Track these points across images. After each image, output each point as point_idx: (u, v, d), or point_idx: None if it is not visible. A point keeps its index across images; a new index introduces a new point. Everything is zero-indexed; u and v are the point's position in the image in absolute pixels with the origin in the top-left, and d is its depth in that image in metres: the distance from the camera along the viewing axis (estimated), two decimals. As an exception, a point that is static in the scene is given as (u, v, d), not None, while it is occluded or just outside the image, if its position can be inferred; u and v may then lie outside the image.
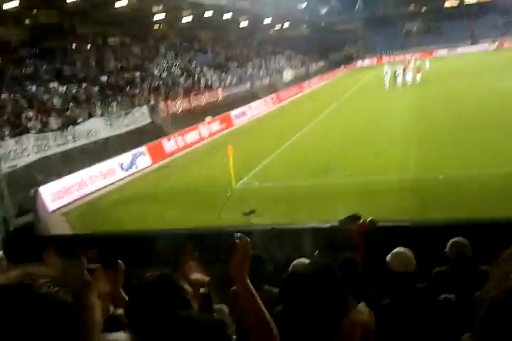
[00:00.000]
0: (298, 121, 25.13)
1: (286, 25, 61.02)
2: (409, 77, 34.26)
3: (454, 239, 4.65)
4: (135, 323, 2.00)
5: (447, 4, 67.45)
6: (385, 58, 60.26)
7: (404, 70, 34.80)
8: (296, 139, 20.73)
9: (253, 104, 31.81)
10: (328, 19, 68.25)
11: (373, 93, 32.82)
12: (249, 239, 2.09)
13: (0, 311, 0.85)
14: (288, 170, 15.41)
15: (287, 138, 20.58)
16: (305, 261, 4.35)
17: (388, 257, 4.35)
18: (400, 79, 34.10)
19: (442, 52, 60.30)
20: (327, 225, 7.29)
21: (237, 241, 2.07)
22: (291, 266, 4.39)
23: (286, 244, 6.83)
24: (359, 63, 65.07)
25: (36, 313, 0.85)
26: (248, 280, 2.01)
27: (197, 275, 4.68)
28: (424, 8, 68.01)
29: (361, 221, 6.55)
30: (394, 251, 4.59)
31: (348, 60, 64.09)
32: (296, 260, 4.42)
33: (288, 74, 47.21)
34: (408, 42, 63.32)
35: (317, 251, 7.02)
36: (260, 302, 1.97)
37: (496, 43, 58.04)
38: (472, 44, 61.02)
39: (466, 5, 65.74)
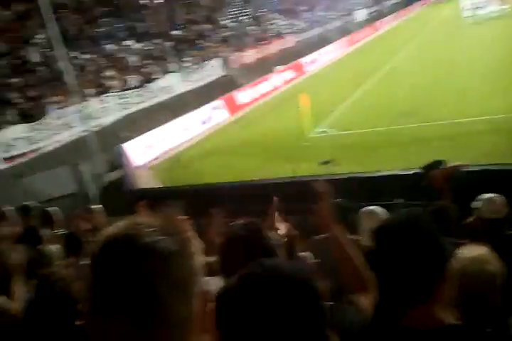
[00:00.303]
0: (373, 64, 24.08)
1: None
2: (493, 8, 31.16)
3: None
4: (226, 270, 2.07)
5: None
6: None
7: (487, 1, 31.69)
8: (372, 83, 19.98)
9: (325, 50, 30.77)
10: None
11: (453, 28, 30.46)
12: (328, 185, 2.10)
13: (110, 260, 0.92)
14: (365, 116, 14.96)
15: (363, 83, 19.87)
16: (373, 208, 4.22)
17: (477, 203, 4.21)
18: (482, 11, 31.18)
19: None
20: (409, 172, 7.14)
21: (321, 187, 2.07)
22: (365, 211, 4.28)
23: (367, 192, 6.79)
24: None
25: (143, 260, 0.90)
26: (339, 226, 2.01)
27: (281, 226, 4.81)
28: None
29: (444, 166, 6.30)
30: (483, 196, 4.42)
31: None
32: (365, 207, 4.32)
33: (360, 15, 44.82)
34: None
35: (400, 199, 6.95)
36: (353, 248, 1.97)
37: None
38: None
39: None
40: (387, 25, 43.60)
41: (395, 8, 51.34)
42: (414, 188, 6.31)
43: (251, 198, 6.97)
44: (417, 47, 27.08)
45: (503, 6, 31.01)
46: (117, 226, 0.96)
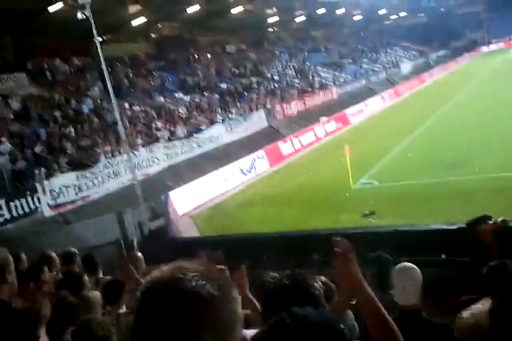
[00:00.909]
0: (418, 115, 23.98)
1: (402, 14, 58.40)
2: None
3: None
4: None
5: None
6: (514, 41, 55.19)
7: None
8: (417, 135, 19.84)
9: (369, 101, 31.00)
10: (447, 2, 63.82)
11: (501, 81, 30.18)
12: (349, 243, 1.98)
13: (155, 304, 0.95)
14: (409, 168, 14.77)
15: (407, 135, 19.76)
16: (405, 265, 3.97)
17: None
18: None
19: None
20: (454, 227, 6.93)
21: (337, 242, 1.97)
22: (398, 268, 4.06)
23: (409, 246, 6.61)
24: (484, 49, 60.23)
25: (186, 304, 0.94)
26: (364, 284, 1.92)
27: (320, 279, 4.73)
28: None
29: (492, 221, 6.09)
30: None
31: (472, 46, 59.60)
32: (401, 263, 4.10)
33: (406, 67, 45.26)
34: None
35: (443, 255, 6.73)
36: (380, 306, 1.89)
37: None
38: None
39: None
40: (434, 76, 43.64)
41: (442, 60, 51.52)
42: (458, 244, 6.12)
43: (290, 249, 6.94)
44: (465, 98, 26.90)
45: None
46: (162, 270, 1.01)
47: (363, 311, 1.94)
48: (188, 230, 13.32)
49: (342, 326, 1.23)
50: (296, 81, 32.15)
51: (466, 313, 1.98)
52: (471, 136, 16.80)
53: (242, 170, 18.46)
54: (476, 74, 36.82)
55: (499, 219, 6.15)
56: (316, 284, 2.28)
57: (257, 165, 19.26)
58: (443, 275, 5.92)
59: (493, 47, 59.58)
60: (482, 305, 2.01)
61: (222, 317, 0.96)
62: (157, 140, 18.91)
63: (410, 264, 3.97)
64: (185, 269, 0.99)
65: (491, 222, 6.26)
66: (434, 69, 46.02)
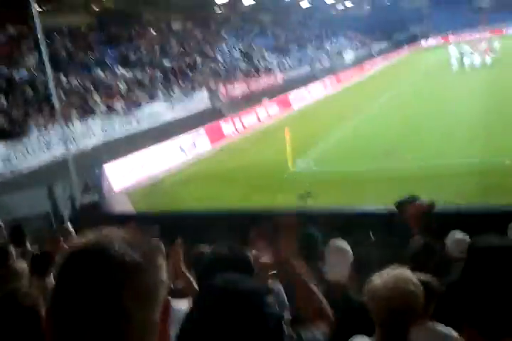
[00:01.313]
0: (358, 103, 24.65)
1: (349, 4, 59.37)
2: (477, 58, 32.35)
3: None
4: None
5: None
6: (452, 37, 57.52)
7: (472, 51, 32.92)
8: (355, 122, 20.38)
9: (312, 87, 31.42)
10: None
11: (438, 75, 31.48)
12: (295, 219, 2.09)
13: (77, 269, 0.93)
14: (346, 153, 15.24)
15: (346, 121, 20.26)
16: (341, 243, 4.12)
17: (446, 241, 4.32)
18: (467, 61, 32.32)
19: (513, 30, 56.49)
20: (384, 209, 7.22)
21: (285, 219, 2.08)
22: (332, 245, 4.15)
23: (342, 227, 6.83)
24: (423, 43, 62.48)
25: (109, 270, 0.92)
26: (299, 261, 2.02)
27: (264, 258, 4.81)
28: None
29: (418, 203, 6.36)
30: (452, 235, 4.52)
31: (412, 40, 61.62)
32: (333, 241, 4.22)
33: (348, 56, 46.14)
34: (477, 20, 59.81)
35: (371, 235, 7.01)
36: (308, 280, 1.99)
37: None
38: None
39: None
40: (374, 66, 44.82)
41: (383, 51, 52.96)
42: (387, 225, 6.39)
43: (224, 227, 6.99)
44: (403, 90, 27.80)
45: (487, 56, 32.20)
46: (86, 236, 0.98)
47: (293, 283, 2.02)
48: (122, 206, 13.06)
49: (266, 294, 1.27)
50: (242, 63, 31.96)
51: (375, 278, 2.11)
52: (407, 127, 17.50)
53: (181, 148, 18.25)
54: (415, 68, 38.18)
55: (425, 201, 6.49)
56: (251, 255, 2.37)
57: (197, 143, 19.09)
58: (372, 255, 6.17)
59: (432, 42, 61.78)
60: (390, 271, 2.14)
61: (145, 284, 0.95)
62: (94, 114, 18.26)
63: (344, 243, 4.12)
64: (109, 236, 0.97)
65: (417, 203, 6.59)
66: (375, 59, 47.27)
